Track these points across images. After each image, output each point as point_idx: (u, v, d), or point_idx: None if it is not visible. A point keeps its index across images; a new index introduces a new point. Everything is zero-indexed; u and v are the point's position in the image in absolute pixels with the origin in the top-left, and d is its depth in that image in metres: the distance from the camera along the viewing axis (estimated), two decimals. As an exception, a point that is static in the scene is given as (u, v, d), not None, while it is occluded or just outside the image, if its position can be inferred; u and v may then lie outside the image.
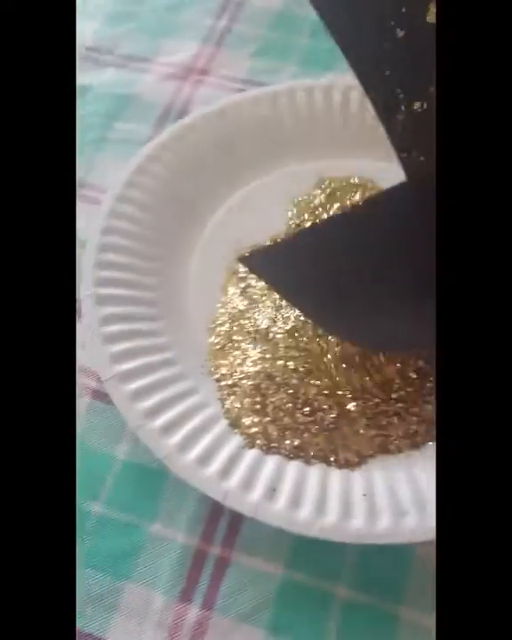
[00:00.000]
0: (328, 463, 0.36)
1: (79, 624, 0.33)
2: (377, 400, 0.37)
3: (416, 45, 0.33)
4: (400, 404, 0.37)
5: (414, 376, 0.37)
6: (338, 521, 0.33)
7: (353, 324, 0.34)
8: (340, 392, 0.37)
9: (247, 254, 0.30)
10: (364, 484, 0.34)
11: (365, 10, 0.37)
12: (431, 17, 0.34)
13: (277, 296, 0.40)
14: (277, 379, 0.38)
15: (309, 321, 0.39)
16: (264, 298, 0.41)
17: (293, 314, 0.40)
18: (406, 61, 0.33)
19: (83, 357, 0.40)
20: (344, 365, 0.38)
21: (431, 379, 0.37)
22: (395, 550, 0.32)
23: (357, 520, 0.33)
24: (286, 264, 0.30)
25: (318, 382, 0.37)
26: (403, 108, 0.39)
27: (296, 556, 0.35)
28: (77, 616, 0.34)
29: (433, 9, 0.33)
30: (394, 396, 0.37)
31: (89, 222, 0.44)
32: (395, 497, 0.33)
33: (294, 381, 0.37)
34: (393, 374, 0.37)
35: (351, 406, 0.37)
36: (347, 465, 0.35)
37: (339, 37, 0.38)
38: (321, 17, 0.38)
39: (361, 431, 0.36)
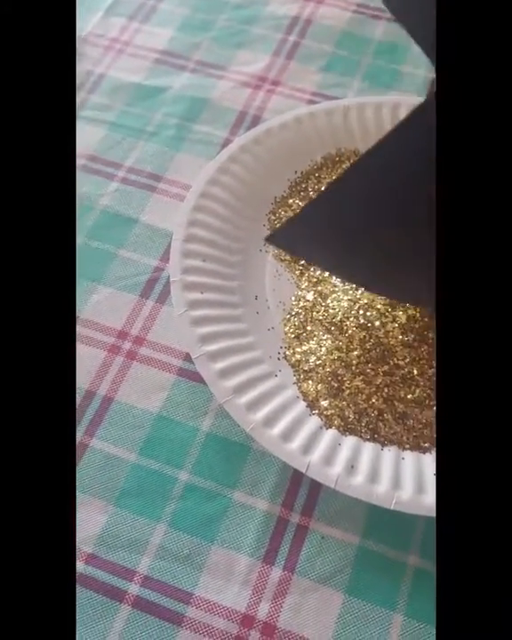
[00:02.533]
0: (401, 446, 0.39)
1: (169, 580, 0.36)
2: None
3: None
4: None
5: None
6: (412, 495, 0.36)
7: (392, 278, 0.35)
8: (413, 383, 0.40)
9: (272, 233, 0.31)
10: (434, 464, 0.38)
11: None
12: None
13: (351, 290, 0.44)
14: (353, 367, 0.41)
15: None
16: (336, 290, 0.44)
17: (365, 309, 0.43)
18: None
19: (170, 337, 0.44)
20: (417, 358, 0.41)
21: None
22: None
23: (430, 496, 0.36)
24: (312, 232, 0.30)
25: (392, 374, 0.40)
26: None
27: (370, 527, 0.38)
28: (168, 573, 0.36)
29: None
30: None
31: (169, 215, 0.48)
32: (466, 476, 0.37)
33: (369, 370, 0.41)
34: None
35: (426, 399, 0.40)
36: (419, 449, 0.39)
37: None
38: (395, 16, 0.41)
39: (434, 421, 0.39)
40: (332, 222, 0.30)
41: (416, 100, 0.42)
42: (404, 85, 0.56)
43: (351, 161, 0.50)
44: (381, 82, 0.57)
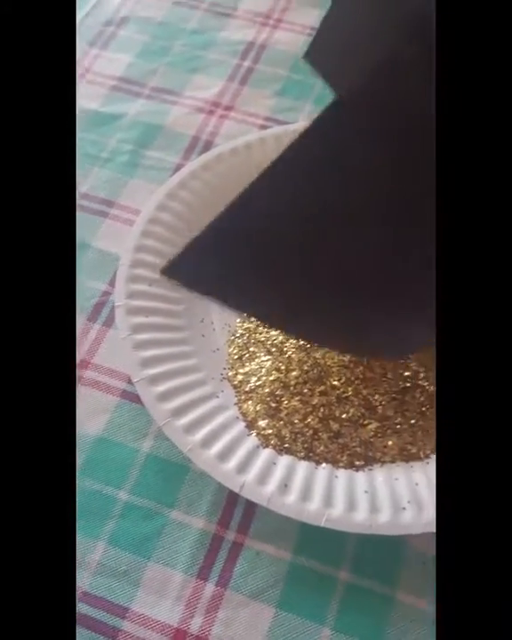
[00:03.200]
0: (335, 465, 0.40)
1: (106, 595, 0.38)
2: (380, 413, 0.41)
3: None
4: (399, 419, 0.41)
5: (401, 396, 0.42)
6: (343, 513, 0.37)
7: (306, 318, 0.30)
8: (347, 403, 0.42)
9: (168, 265, 0.26)
10: (366, 482, 0.39)
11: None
12: None
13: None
14: (291, 388, 0.42)
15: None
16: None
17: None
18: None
19: (114, 361, 0.45)
20: (352, 378, 0.42)
21: (418, 392, 0.42)
22: (391, 541, 0.37)
23: (360, 513, 0.37)
24: (213, 262, 0.26)
25: (327, 394, 0.42)
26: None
27: (303, 544, 0.39)
28: (106, 589, 0.38)
29: None
30: (390, 412, 0.42)
31: (120, 240, 0.49)
32: (394, 495, 0.38)
33: (306, 390, 0.42)
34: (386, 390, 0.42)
35: (360, 419, 0.41)
36: (352, 467, 0.40)
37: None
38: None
39: (370, 440, 0.41)
40: (243, 242, 0.26)
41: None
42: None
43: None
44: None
